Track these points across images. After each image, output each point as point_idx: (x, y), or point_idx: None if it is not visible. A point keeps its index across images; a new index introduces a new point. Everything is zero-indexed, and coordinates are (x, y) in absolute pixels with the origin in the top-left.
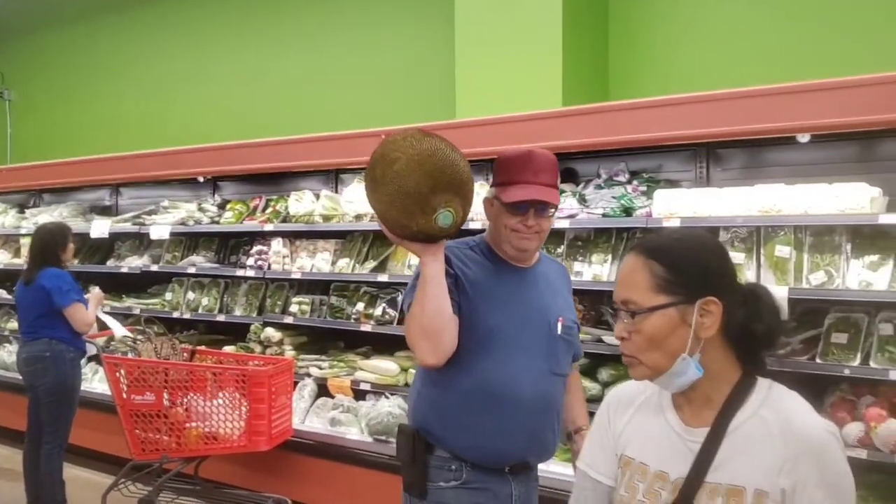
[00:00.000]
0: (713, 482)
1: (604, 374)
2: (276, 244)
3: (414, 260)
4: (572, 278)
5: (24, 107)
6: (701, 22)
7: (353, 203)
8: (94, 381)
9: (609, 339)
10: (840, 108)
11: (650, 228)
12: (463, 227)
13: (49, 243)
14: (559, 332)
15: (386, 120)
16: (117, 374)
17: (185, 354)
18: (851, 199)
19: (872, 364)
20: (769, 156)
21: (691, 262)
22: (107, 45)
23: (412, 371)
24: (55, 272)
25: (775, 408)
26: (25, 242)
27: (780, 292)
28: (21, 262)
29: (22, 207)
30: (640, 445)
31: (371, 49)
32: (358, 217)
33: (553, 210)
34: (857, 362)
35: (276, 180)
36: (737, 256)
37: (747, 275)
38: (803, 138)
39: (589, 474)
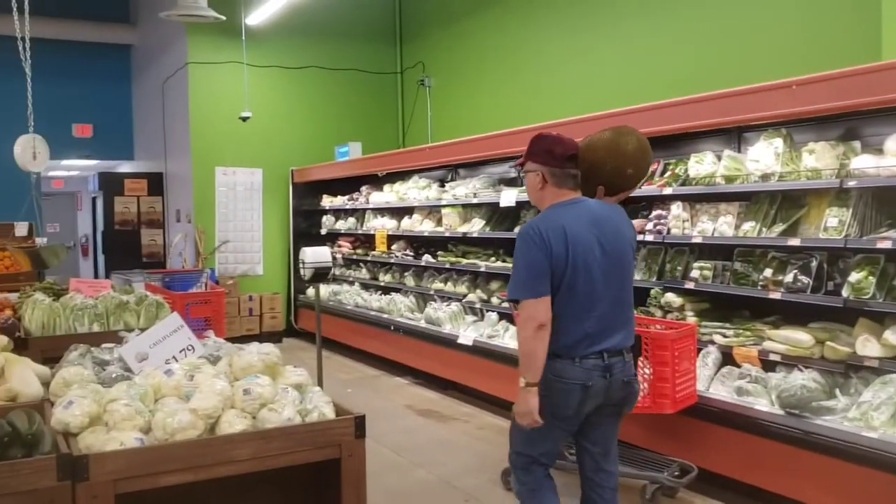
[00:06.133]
0: None
1: None
2: (676, 208)
3: (830, 222)
4: None
5: (441, 92)
6: None
7: (759, 162)
8: None
9: None
10: None
11: None
12: None
13: None
14: None
15: (791, 69)
16: None
17: None
18: None
19: None
20: None
21: None
22: (515, 29)
23: (829, 344)
24: None
25: None
26: (447, 212)
27: None
28: (442, 230)
29: (441, 182)
30: None
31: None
32: (764, 177)
33: (522, 171)
34: None
35: (674, 143)
36: None
37: None
38: None
39: None
